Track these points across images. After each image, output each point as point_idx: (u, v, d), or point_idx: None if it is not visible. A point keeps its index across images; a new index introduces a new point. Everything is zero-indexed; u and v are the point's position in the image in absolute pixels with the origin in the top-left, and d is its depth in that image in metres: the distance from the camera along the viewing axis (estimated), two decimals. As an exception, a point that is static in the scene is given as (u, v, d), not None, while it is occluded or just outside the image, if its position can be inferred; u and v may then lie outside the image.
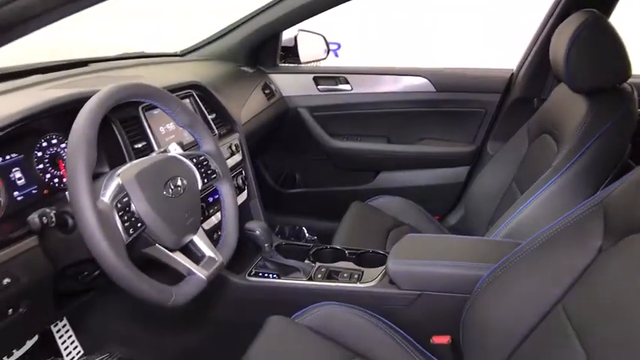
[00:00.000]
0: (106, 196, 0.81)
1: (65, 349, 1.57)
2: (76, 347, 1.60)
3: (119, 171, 0.86)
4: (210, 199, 1.20)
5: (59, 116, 1.00)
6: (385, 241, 1.61)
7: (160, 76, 1.58)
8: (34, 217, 0.80)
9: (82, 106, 0.83)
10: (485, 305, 0.99)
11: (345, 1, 1.78)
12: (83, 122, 0.79)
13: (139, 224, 0.84)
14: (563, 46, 1.28)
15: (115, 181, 0.83)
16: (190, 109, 1.07)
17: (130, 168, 0.87)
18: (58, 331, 1.56)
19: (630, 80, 1.30)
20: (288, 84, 2.11)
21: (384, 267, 1.28)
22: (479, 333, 1.00)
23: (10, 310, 0.86)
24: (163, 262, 0.90)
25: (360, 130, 2.11)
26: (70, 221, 0.84)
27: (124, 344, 1.59)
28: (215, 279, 0.97)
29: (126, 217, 0.82)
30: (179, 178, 0.94)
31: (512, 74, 1.91)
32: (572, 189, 1.24)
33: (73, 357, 1.58)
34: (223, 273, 1.33)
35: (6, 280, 0.82)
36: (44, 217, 0.80)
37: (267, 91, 1.99)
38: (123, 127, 1.11)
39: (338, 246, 1.44)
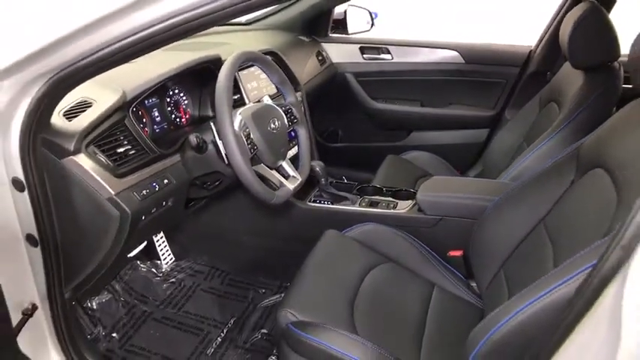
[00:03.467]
0: (236, 126, 1.22)
1: (162, 255, 2.04)
2: (169, 254, 2.06)
3: (240, 110, 1.27)
4: (291, 136, 1.60)
5: (182, 75, 1.38)
6: (414, 186, 1.95)
7: (245, 44, 1.96)
8: (192, 138, 1.22)
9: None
10: (488, 226, 1.33)
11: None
12: (224, 77, 1.18)
13: (255, 147, 1.25)
14: (568, 29, 1.60)
15: (239, 117, 1.25)
16: (279, 70, 1.45)
17: (248, 109, 1.28)
18: (157, 241, 2.02)
19: (621, 59, 1.61)
20: (338, 52, 2.46)
21: (414, 200, 1.67)
22: (482, 246, 1.33)
23: (164, 202, 1.28)
24: (266, 177, 1.32)
25: (397, 94, 2.46)
26: (204, 145, 1.26)
27: (206, 253, 2.04)
28: (286, 203, 1.33)
29: (248, 141, 1.23)
30: (276, 120, 1.34)
31: (531, 51, 2.22)
32: (564, 144, 1.57)
33: (167, 261, 2.05)
34: (291, 200, 1.73)
35: (165, 181, 1.25)
36: (197, 138, 1.22)
37: (320, 58, 2.35)
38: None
39: (377, 184, 1.83)
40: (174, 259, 2.07)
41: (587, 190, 1.10)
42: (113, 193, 1.07)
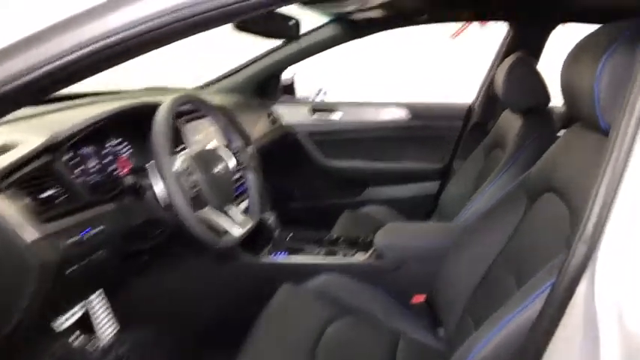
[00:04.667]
0: (176, 166, 1.18)
1: (101, 324, 1.85)
2: (111, 323, 1.87)
3: (182, 152, 1.23)
4: (240, 186, 1.56)
5: (122, 123, 1.34)
6: (372, 238, 1.95)
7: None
8: (129, 179, 1.16)
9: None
10: (448, 268, 1.32)
11: (335, 46, 2.22)
12: (161, 115, 1.15)
13: (198, 188, 1.20)
14: (502, 79, 1.71)
15: (181, 158, 1.20)
16: (223, 116, 1.44)
17: (190, 151, 1.24)
18: (95, 307, 1.83)
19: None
20: (289, 113, 2.50)
21: (372, 247, 1.63)
22: (445, 289, 1.31)
23: (96, 253, 1.17)
24: (211, 221, 1.25)
25: (350, 151, 2.50)
26: (142, 189, 1.20)
27: (153, 321, 1.88)
28: (238, 259, 1.26)
29: (190, 182, 1.18)
30: (221, 163, 1.30)
31: (470, 106, 2.35)
32: (510, 182, 1.61)
33: (108, 333, 1.86)
34: (243, 256, 1.65)
35: (98, 229, 1.16)
36: (134, 180, 1.16)
37: (270, 118, 2.38)
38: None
39: (335, 235, 1.79)
40: (117, 328, 1.89)
41: (541, 214, 1.11)
42: (34, 238, 0.97)
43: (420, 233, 1.57)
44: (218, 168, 1.28)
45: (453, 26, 5.47)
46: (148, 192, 1.21)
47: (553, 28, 2.01)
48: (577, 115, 1.00)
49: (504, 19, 2.07)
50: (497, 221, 1.23)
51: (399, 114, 2.41)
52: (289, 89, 2.64)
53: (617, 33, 0.86)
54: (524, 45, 1.98)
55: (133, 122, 1.38)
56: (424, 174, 2.41)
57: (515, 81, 1.69)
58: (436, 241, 1.51)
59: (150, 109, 1.38)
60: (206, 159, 1.26)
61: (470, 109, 2.34)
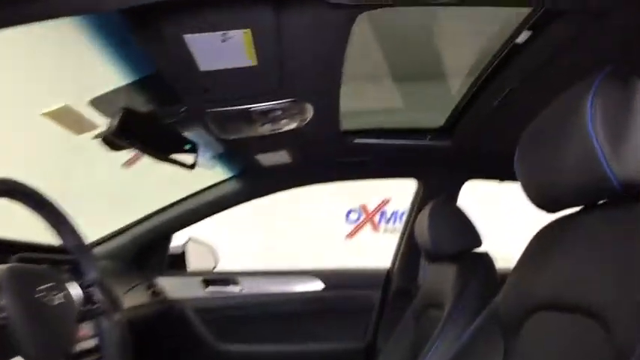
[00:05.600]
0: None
1: None
2: None
3: None
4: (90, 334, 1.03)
5: None
6: None
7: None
8: None
9: None
10: None
11: (233, 206, 1.99)
12: None
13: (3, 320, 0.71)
14: (425, 228, 1.55)
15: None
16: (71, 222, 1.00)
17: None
18: None
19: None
20: (176, 286, 2.06)
21: None
22: None
23: None
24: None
25: (250, 332, 2.03)
26: None
27: None
28: None
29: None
30: (55, 289, 0.84)
31: (389, 270, 2.11)
32: (455, 341, 1.30)
33: None
34: None
35: None
36: None
37: (152, 291, 1.91)
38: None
39: None
40: None
41: (534, 347, 0.82)
42: None
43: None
44: (47, 296, 0.81)
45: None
46: None
47: (462, 183, 2.00)
48: (566, 198, 0.79)
49: (413, 177, 2.04)
50: None
51: (310, 284, 2.08)
52: (179, 261, 2.23)
53: (588, 84, 0.72)
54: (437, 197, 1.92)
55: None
56: (343, 355, 1.98)
57: (440, 226, 1.54)
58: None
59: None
60: (27, 277, 0.80)
61: (389, 274, 2.10)
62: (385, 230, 5.28)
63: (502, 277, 1.49)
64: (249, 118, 1.21)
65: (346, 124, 1.60)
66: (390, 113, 1.75)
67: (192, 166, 1.42)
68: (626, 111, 0.67)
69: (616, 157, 0.66)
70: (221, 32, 0.81)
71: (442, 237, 1.52)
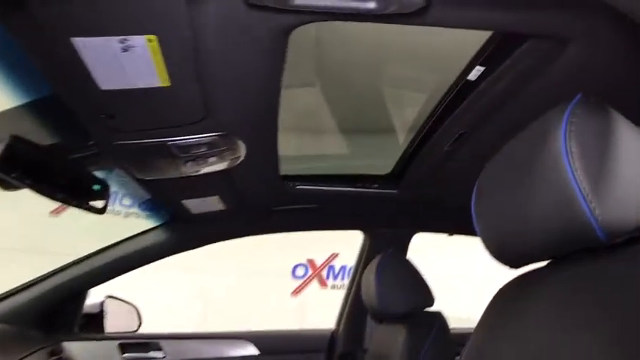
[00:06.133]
0: None
1: None
2: None
3: None
4: None
5: None
6: None
7: None
8: None
9: None
10: None
11: (158, 259, 1.76)
12: None
13: None
14: (372, 285, 1.40)
15: None
16: None
17: None
18: None
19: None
20: (87, 353, 1.76)
21: None
22: None
23: None
24: None
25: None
26: None
27: None
28: None
29: None
30: None
31: (333, 331, 1.91)
32: None
33: None
34: None
35: None
36: None
37: (54, 358, 1.61)
38: None
39: None
40: None
41: None
42: None
43: None
44: None
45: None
46: None
47: (411, 235, 1.87)
48: (534, 250, 0.66)
49: (359, 229, 1.89)
50: None
51: (245, 348, 1.84)
52: (95, 322, 1.94)
53: (559, 113, 0.61)
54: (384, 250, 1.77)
55: None
56: None
57: (388, 283, 1.40)
58: None
59: None
60: None
61: (333, 337, 1.89)
62: (333, 286, 5.09)
63: (458, 338, 1.36)
64: (168, 154, 1.03)
65: (286, 168, 1.45)
66: (335, 159, 1.62)
67: (101, 211, 1.20)
68: (607, 141, 0.55)
69: (598, 198, 0.53)
70: (119, 37, 0.65)
71: (390, 295, 1.37)
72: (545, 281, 0.67)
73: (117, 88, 0.78)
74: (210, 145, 1.04)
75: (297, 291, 5.33)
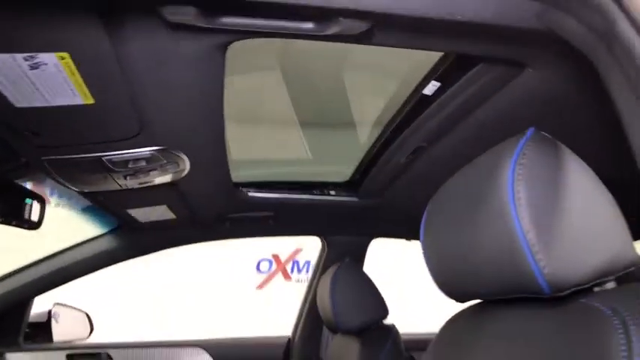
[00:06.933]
0: None
1: None
2: None
3: None
4: None
5: None
6: None
7: None
8: None
9: None
10: None
11: (108, 265, 1.68)
12: None
13: None
14: (326, 298, 1.37)
15: None
16: None
17: None
18: None
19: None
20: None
21: None
22: None
23: None
24: None
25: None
26: None
27: None
28: None
29: None
30: None
31: (289, 339, 1.88)
32: None
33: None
34: None
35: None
36: None
37: (-6, 373, 1.53)
38: None
39: None
40: None
41: None
42: None
43: None
44: None
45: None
46: None
47: (369, 241, 1.84)
48: (479, 289, 0.63)
49: (317, 235, 1.85)
50: None
51: (199, 356, 1.78)
52: (44, 330, 1.85)
53: (509, 150, 0.57)
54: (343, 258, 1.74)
55: None
56: None
57: (342, 298, 1.37)
58: None
59: None
60: None
61: (289, 345, 1.86)
62: (298, 280, 5.09)
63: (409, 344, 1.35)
64: (103, 169, 0.96)
65: (239, 175, 1.39)
66: (292, 165, 1.56)
67: (35, 226, 1.12)
68: (557, 187, 0.52)
69: (545, 250, 0.50)
70: (23, 54, 0.58)
71: (344, 309, 1.35)
72: (494, 318, 0.65)
73: (33, 105, 0.70)
74: (149, 159, 0.97)
75: (262, 285, 5.30)
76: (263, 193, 1.50)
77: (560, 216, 0.51)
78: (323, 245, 1.84)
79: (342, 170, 1.55)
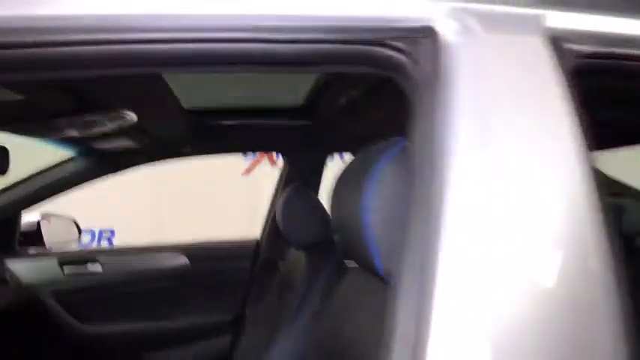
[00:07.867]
0: None
1: None
2: None
3: None
4: None
5: None
6: None
7: None
8: None
9: None
10: None
11: (86, 181, 1.79)
12: None
13: None
14: (280, 216, 1.53)
15: None
16: None
17: None
18: None
19: None
20: (30, 270, 1.90)
21: None
22: None
23: None
24: None
25: (115, 312, 1.96)
26: None
27: None
28: None
29: None
30: None
31: (258, 241, 2.10)
32: (303, 333, 1.35)
33: None
34: None
35: None
36: None
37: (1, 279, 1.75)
38: None
39: None
40: None
41: None
42: None
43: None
44: None
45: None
46: None
47: (324, 160, 1.96)
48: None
49: (277, 151, 1.96)
50: None
51: (177, 259, 2.02)
52: (34, 237, 2.04)
53: (381, 152, 0.68)
54: (302, 176, 1.88)
55: None
56: (212, 328, 1.99)
57: (292, 214, 1.53)
58: None
59: None
60: None
61: (258, 245, 2.09)
62: (284, 163, 5.23)
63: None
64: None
65: (189, 102, 1.45)
66: (245, 91, 1.62)
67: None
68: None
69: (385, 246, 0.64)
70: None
71: (293, 228, 1.51)
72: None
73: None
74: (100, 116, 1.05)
75: (247, 170, 5.45)
76: (220, 120, 1.59)
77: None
78: (284, 164, 1.97)
79: (296, 94, 1.61)
